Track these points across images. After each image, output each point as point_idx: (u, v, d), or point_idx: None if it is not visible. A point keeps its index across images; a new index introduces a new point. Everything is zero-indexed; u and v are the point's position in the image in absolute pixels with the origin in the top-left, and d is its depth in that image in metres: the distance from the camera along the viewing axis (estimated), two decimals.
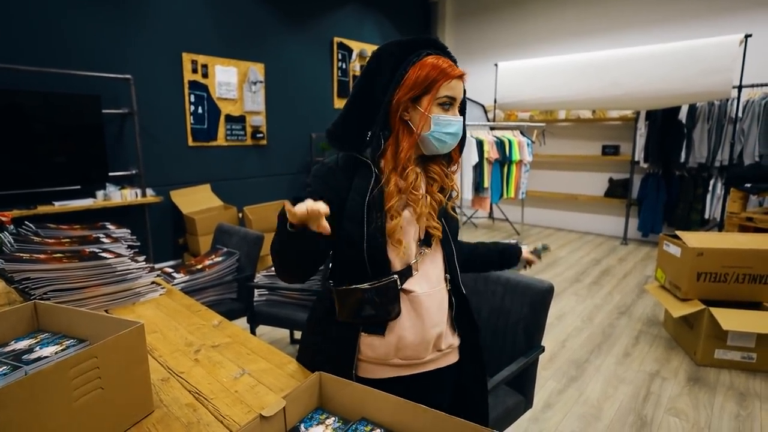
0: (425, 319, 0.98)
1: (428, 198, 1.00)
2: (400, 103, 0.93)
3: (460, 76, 0.95)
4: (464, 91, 0.99)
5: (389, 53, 0.95)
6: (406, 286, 0.97)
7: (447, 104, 0.95)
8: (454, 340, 1.06)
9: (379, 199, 0.94)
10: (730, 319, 2.29)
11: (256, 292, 2.29)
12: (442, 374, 1.05)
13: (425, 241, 1.00)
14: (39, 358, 0.86)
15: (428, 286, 0.99)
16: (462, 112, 1.00)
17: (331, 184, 0.95)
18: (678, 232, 2.68)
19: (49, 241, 1.58)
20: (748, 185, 3.28)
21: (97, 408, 0.79)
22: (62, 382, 0.74)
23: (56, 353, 0.88)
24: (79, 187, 3.46)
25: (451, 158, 1.06)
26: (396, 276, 0.95)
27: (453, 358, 1.07)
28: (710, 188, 4.49)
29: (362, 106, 0.96)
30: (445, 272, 1.03)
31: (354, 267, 0.96)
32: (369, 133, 0.96)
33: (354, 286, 0.95)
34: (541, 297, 1.46)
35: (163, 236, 4.13)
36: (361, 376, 1.00)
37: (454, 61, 0.98)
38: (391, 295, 0.95)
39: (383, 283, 0.94)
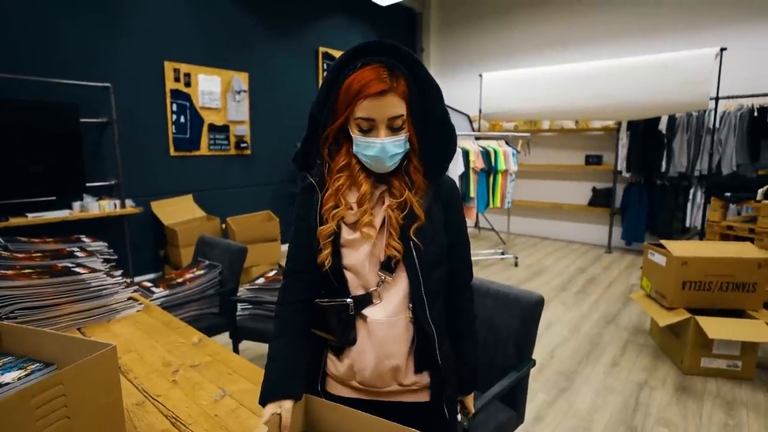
0: (379, 349, 0.91)
1: (388, 214, 0.91)
2: (335, 124, 0.88)
3: (382, 92, 0.81)
4: (436, 103, 0.88)
5: (330, 69, 0.88)
6: (364, 311, 0.91)
7: (365, 128, 0.85)
8: (421, 378, 0.96)
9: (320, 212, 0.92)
10: (715, 327, 2.31)
11: (239, 306, 2.23)
12: (406, 410, 0.96)
13: (386, 267, 0.90)
14: (0, 385, 0.79)
15: (385, 314, 0.90)
16: (434, 124, 0.90)
17: (307, 208, 0.95)
18: (662, 241, 2.70)
19: (19, 255, 1.50)
20: (728, 194, 3.34)
21: None
22: (24, 412, 0.68)
23: (19, 379, 0.82)
24: (54, 198, 3.35)
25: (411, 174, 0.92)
26: (350, 300, 0.90)
27: (422, 396, 0.97)
28: (691, 197, 4.58)
29: (311, 126, 0.92)
30: (409, 302, 0.92)
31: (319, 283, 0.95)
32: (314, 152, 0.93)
33: (317, 300, 0.93)
34: (530, 310, 1.43)
35: (143, 249, 4.01)
36: (329, 392, 0.98)
37: (411, 61, 0.86)
38: (344, 318, 0.91)
39: (336, 303, 0.91)
